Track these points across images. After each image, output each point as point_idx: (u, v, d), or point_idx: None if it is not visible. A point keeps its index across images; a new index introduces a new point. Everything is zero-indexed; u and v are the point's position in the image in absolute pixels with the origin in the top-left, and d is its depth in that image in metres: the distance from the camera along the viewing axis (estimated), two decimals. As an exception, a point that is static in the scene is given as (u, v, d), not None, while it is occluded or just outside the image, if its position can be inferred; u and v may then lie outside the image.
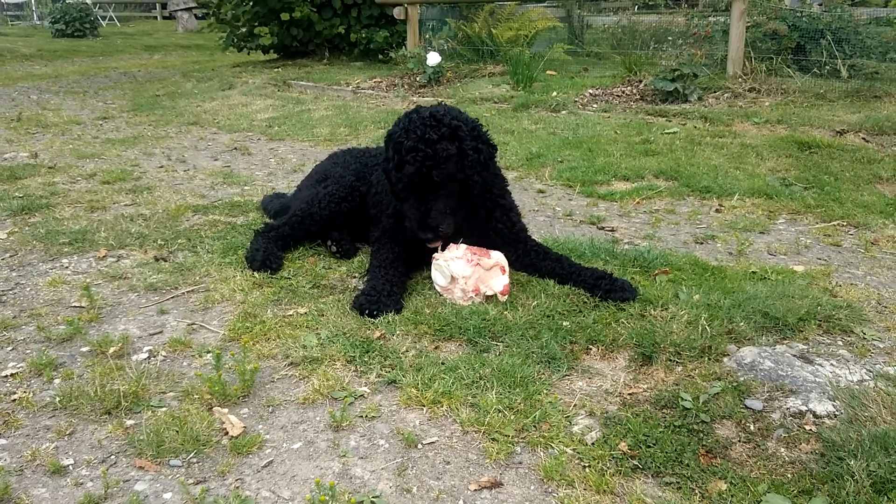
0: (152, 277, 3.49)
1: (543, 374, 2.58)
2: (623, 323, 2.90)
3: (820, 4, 9.82)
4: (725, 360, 2.64)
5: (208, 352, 2.75)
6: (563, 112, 7.58)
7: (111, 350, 2.77)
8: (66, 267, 3.69)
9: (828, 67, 8.17)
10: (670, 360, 2.65)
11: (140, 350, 2.82)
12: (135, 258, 3.78)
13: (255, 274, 3.45)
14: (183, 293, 3.34)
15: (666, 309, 2.98)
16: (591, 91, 8.44)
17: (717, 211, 4.61)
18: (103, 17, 27.52)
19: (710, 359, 2.64)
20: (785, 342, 2.78)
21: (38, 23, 27.80)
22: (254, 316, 3.04)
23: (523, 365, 2.59)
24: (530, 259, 3.44)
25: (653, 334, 2.77)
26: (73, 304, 3.24)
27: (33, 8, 29.53)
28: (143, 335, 2.95)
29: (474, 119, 3.33)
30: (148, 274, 3.53)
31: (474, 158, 3.17)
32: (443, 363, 2.63)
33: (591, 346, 2.78)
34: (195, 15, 26.11)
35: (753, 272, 3.50)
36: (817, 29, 8.40)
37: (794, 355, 2.65)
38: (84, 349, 2.83)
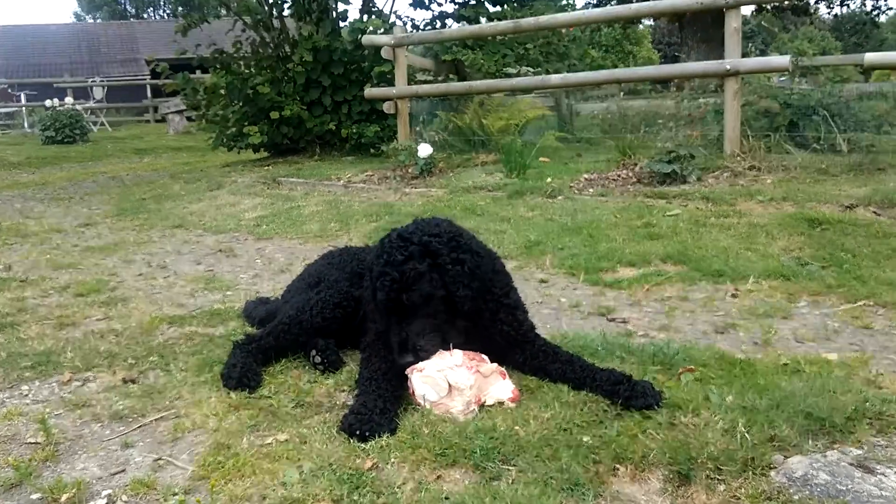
0: (118, 404, 3.12)
1: (566, 504, 2.21)
2: (651, 434, 2.54)
3: (805, 82, 9.82)
4: (773, 473, 2.30)
5: (174, 494, 2.37)
6: (560, 197, 7.36)
7: (64, 497, 2.39)
8: (26, 395, 3.32)
9: (824, 143, 8.04)
10: (710, 478, 2.30)
11: (98, 495, 2.43)
12: (102, 381, 3.41)
13: (231, 394, 3.09)
14: (151, 421, 2.97)
15: (697, 415, 2.63)
16: (586, 176, 8.26)
17: (733, 296, 4.32)
18: (95, 123, 27.75)
19: (755, 473, 2.30)
20: (836, 446, 2.45)
21: (28, 130, 27.94)
22: (227, 447, 2.65)
23: (542, 496, 2.20)
24: (539, 361, 3.11)
25: (687, 447, 2.41)
26: (29, 441, 2.86)
27: (24, 116, 29.79)
28: (103, 475, 2.57)
29: (456, 228, 3.08)
30: (114, 400, 3.17)
31: (456, 271, 2.89)
32: (447, 498, 2.24)
33: (617, 466, 2.41)
34: (187, 118, 26.37)
35: (785, 364, 3.19)
36: (809, 105, 8.34)
37: (851, 464, 2.32)
38: (34, 496, 2.44)
